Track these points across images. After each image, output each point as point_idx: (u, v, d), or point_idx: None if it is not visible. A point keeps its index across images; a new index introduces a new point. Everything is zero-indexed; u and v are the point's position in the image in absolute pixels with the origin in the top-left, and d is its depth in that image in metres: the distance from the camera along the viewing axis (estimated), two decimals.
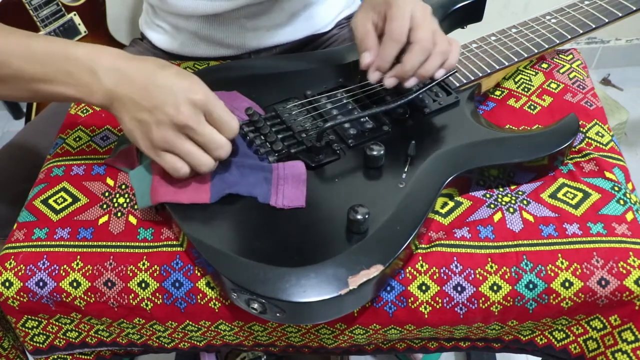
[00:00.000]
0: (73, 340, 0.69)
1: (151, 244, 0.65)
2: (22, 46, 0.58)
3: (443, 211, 0.67)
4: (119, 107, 0.58)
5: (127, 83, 0.57)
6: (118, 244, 0.65)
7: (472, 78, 0.74)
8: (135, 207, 0.68)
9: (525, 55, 0.76)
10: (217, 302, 0.63)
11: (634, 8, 0.78)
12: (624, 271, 0.60)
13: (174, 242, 0.65)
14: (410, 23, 0.65)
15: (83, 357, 0.72)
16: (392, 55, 0.66)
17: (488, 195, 0.68)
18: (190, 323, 0.65)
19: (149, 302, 0.63)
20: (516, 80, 0.81)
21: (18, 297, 0.64)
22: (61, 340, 0.69)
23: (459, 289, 0.61)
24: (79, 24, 1.39)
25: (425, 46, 0.65)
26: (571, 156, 0.71)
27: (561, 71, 0.81)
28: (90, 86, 0.58)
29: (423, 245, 0.64)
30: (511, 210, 0.65)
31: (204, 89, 0.59)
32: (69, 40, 0.61)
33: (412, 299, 0.61)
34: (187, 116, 0.57)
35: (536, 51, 0.76)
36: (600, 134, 0.72)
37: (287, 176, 0.64)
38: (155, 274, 0.63)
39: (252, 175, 0.64)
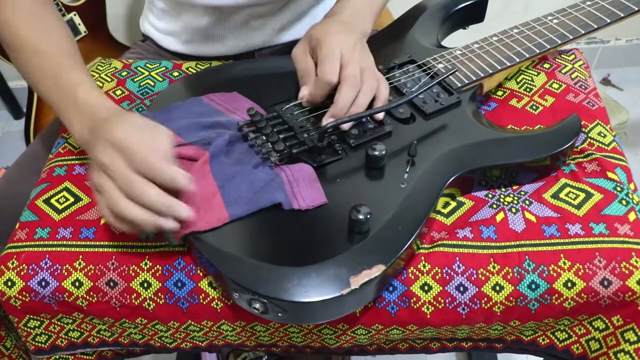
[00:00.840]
0: (75, 340, 0.69)
1: (153, 243, 0.65)
2: (56, 78, 0.67)
3: (445, 211, 0.67)
4: (88, 150, 0.63)
5: (91, 132, 0.62)
6: (120, 243, 0.65)
7: (474, 78, 0.74)
8: None
9: (527, 56, 0.76)
10: (219, 302, 0.63)
11: (636, 8, 0.79)
12: (627, 271, 0.60)
13: (179, 243, 0.64)
14: (340, 61, 0.69)
15: (85, 357, 0.72)
16: (323, 94, 0.70)
17: (490, 196, 0.68)
18: (193, 323, 0.65)
19: (151, 302, 0.63)
20: (518, 80, 0.81)
21: (20, 297, 0.64)
22: (63, 340, 0.69)
23: (461, 289, 0.61)
24: (79, 24, 1.39)
25: (352, 83, 0.68)
26: (573, 156, 0.71)
27: (563, 71, 0.81)
28: (73, 126, 0.65)
29: (425, 245, 0.64)
30: (513, 210, 0.66)
31: (125, 129, 0.57)
32: (90, 81, 0.68)
33: (414, 299, 0.61)
34: (102, 155, 0.57)
35: (538, 51, 0.76)
36: (602, 134, 0.72)
37: (297, 179, 0.64)
38: (157, 274, 0.63)
39: (262, 185, 0.64)
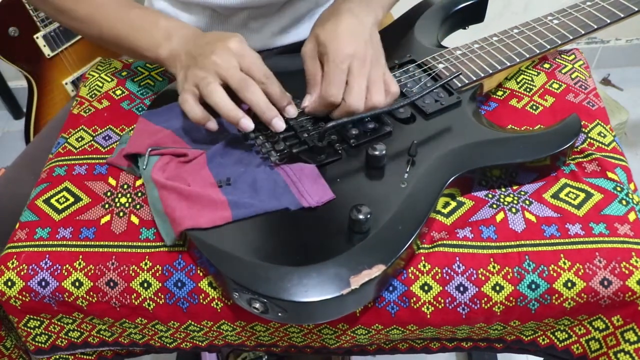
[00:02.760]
0: (75, 340, 0.69)
1: (153, 243, 0.65)
2: (124, 14, 0.75)
3: (445, 211, 0.67)
4: (177, 62, 0.71)
5: (187, 43, 0.70)
6: (120, 243, 0.65)
7: (474, 78, 0.74)
8: (137, 207, 0.68)
9: (527, 56, 0.76)
10: (219, 302, 0.63)
11: (636, 9, 0.79)
12: (627, 271, 0.60)
13: (179, 242, 0.64)
14: (347, 77, 0.68)
15: (85, 357, 0.72)
16: (325, 112, 0.70)
17: (490, 196, 0.68)
18: (193, 323, 0.65)
19: (151, 302, 0.63)
20: (518, 80, 0.81)
21: (20, 297, 0.64)
22: (63, 340, 0.69)
23: (461, 289, 0.61)
24: None
25: (354, 109, 0.67)
26: (573, 156, 0.71)
27: (563, 71, 0.81)
28: (161, 47, 0.72)
29: (425, 245, 0.64)
30: (513, 210, 0.66)
31: (239, 41, 0.67)
32: (159, 13, 0.77)
33: (414, 299, 0.61)
34: (219, 55, 0.65)
35: (538, 52, 0.76)
36: (602, 134, 0.72)
37: (300, 178, 0.64)
38: (157, 274, 0.63)
39: (266, 187, 0.64)
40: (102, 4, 0.75)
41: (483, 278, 0.61)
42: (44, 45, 1.45)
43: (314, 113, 0.71)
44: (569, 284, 0.60)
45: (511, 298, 0.61)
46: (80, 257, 0.64)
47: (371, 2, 0.75)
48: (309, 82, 0.71)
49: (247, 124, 0.65)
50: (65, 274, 0.63)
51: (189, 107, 0.66)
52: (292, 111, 0.69)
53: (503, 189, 0.68)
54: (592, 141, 0.72)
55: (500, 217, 0.65)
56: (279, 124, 0.66)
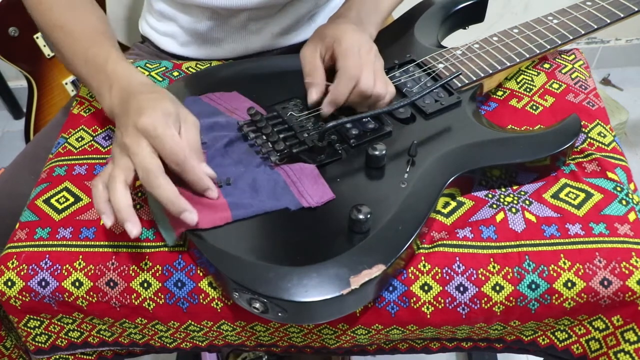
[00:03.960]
0: (75, 340, 0.69)
1: (153, 243, 0.65)
2: (86, 53, 0.70)
3: (445, 211, 0.67)
4: (115, 120, 0.65)
5: (121, 105, 0.63)
6: (120, 243, 0.65)
7: (474, 78, 0.74)
8: (137, 207, 0.68)
9: (527, 56, 0.76)
10: (219, 302, 0.63)
11: (636, 9, 0.79)
12: (627, 271, 0.60)
13: (180, 242, 0.64)
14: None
15: (85, 357, 0.72)
16: (348, 91, 0.69)
17: (490, 196, 0.68)
18: (193, 323, 0.65)
19: (151, 302, 0.63)
20: (518, 80, 0.81)
21: (20, 297, 0.64)
22: (63, 340, 0.69)
23: (461, 289, 0.61)
24: None
25: (366, 88, 0.68)
26: (573, 156, 0.71)
27: (563, 71, 0.81)
28: (104, 99, 0.67)
29: (425, 245, 0.64)
30: (513, 210, 0.66)
31: (152, 118, 0.58)
32: (119, 54, 0.69)
33: (414, 299, 0.61)
34: (130, 138, 0.58)
35: (538, 52, 0.76)
36: (602, 134, 0.72)
37: (300, 178, 0.64)
38: (157, 274, 0.63)
39: (266, 188, 0.64)
40: (78, 38, 0.72)
41: (483, 278, 0.61)
42: (44, 45, 1.45)
43: (335, 101, 0.69)
44: (569, 284, 0.60)
45: (511, 298, 0.61)
46: (80, 257, 0.64)
47: (365, 20, 0.78)
48: (308, 75, 0.72)
49: (129, 229, 0.56)
50: (65, 274, 0.63)
51: (96, 193, 0.59)
52: (212, 195, 0.62)
53: (503, 189, 0.68)
54: (592, 141, 0.72)
55: (500, 217, 0.65)
56: (189, 218, 0.58)
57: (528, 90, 0.79)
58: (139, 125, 0.58)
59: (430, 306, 0.61)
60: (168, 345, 0.70)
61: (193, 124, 0.62)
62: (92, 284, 0.63)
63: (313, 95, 0.71)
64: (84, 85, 0.73)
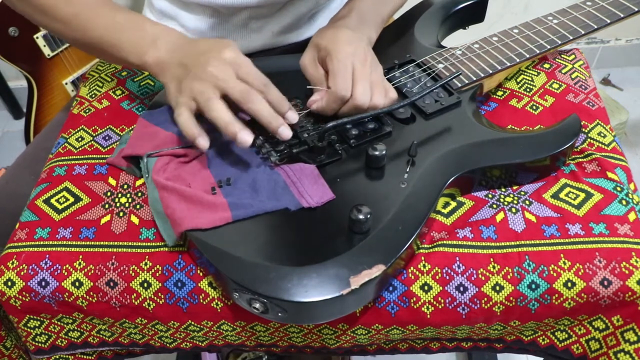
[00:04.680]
0: (75, 340, 0.69)
1: (153, 243, 0.65)
2: (109, 17, 0.71)
3: (445, 211, 0.67)
4: (165, 71, 0.68)
5: (175, 51, 0.68)
6: (120, 243, 0.65)
7: (474, 79, 0.74)
8: (137, 207, 0.68)
9: (527, 56, 0.76)
10: (219, 302, 0.63)
11: (636, 9, 0.79)
12: (627, 271, 0.60)
13: (180, 242, 0.64)
14: (352, 76, 0.69)
15: (85, 357, 0.72)
16: (336, 109, 0.70)
17: (490, 196, 0.68)
18: (193, 323, 0.65)
19: (151, 302, 0.63)
20: (518, 80, 0.81)
21: (20, 297, 0.64)
22: (63, 340, 0.69)
23: (461, 289, 0.61)
24: None
25: (362, 101, 0.68)
26: (573, 156, 0.71)
27: (563, 71, 0.81)
28: (147, 53, 0.69)
29: (425, 245, 0.64)
30: (513, 210, 0.66)
31: (233, 50, 0.65)
32: (146, 17, 0.73)
33: (414, 299, 0.61)
34: (215, 66, 0.63)
35: (538, 52, 0.76)
36: (602, 135, 0.72)
37: (300, 178, 0.64)
38: (157, 274, 0.63)
39: (266, 188, 0.64)
40: (87, 4, 0.72)
41: (483, 278, 0.61)
42: (44, 45, 1.45)
43: (321, 111, 0.71)
44: (569, 284, 0.60)
45: (511, 298, 0.61)
46: (80, 257, 0.64)
47: (365, 22, 0.78)
48: (314, 85, 0.73)
49: (245, 138, 0.62)
50: (65, 274, 0.63)
51: (183, 121, 0.64)
52: (293, 117, 0.67)
53: (503, 189, 0.68)
54: (592, 141, 0.72)
55: (500, 217, 0.65)
56: (286, 132, 0.65)
57: (528, 90, 0.79)
58: (227, 55, 0.64)
59: (430, 306, 0.61)
60: (168, 345, 0.70)
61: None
62: (92, 284, 0.63)
63: (315, 98, 0.71)
64: (103, 51, 0.72)
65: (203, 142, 0.64)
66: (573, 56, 0.84)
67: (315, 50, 0.73)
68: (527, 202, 0.66)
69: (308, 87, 0.73)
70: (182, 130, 0.64)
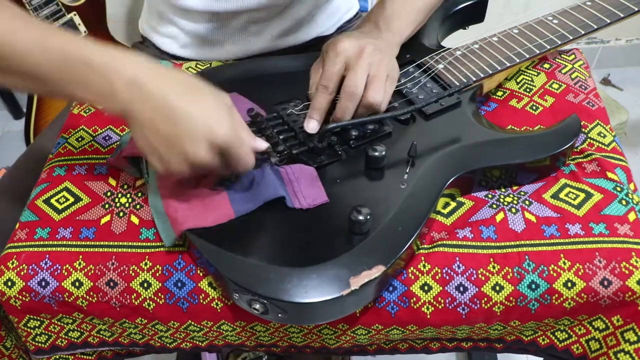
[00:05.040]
0: (75, 340, 0.69)
1: (153, 243, 0.65)
2: (39, 44, 0.54)
3: (445, 211, 0.67)
4: (134, 124, 0.56)
5: (145, 103, 0.54)
6: (120, 243, 0.65)
7: (474, 79, 0.74)
8: (137, 207, 0.68)
9: (527, 56, 0.76)
10: (219, 302, 0.63)
11: (636, 9, 0.78)
12: (627, 271, 0.60)
13: (178, 242, 0.65)
14: (344, 65, 0.68)
15: (85, 357, 0.72)
16: (323, 103, 0.68)
17: (490, 196, 0.68)
18: (193, 323, 0.65)
19: (151, 302, 0.63)
20: (518, 80, 0.81)
21: (20, 297, 0.64)
22: (63, 340, 0.69)
23: (461, 289, 0.61)
24: (79, 24, 1.39)
25: (349, 93, 0.67)
26: (573, 157, 0.71)
27: (563, 71, 0.81)
28: (107, 97, 0.55)
29: (425, 246, 0.64)
30: (513, 210, 0.66)
31: (225, 127, 0.56)
32: (88, 41, 0.55)
33: (414, 299, 0.61)
34: (202, 157, 0.55)
35: (538, 52, 0.76)
36: (602, 135, 0.72)
37: (298, 178, 0.64)
38: (157, 274, 0.63)
39: (265, 180, 0.64)
40: (8, 23, 0.55)
41: (483, 278, 0.61)
42: None
43: (317, 111, 0.70)
44: (569, 284, 0.60)
45: (511, 298, 0.61)
46: (80, 257, 0.64)
47: (384, 26, 0.76)
48: (310, 89, 0.73)
49: (262, 145, 0.62)
50: (65, 274, 0.63)
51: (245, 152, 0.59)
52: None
53: (503, 189, 0.68)
54: (592, 141, 0.72)
55: (500, 217, 0.65)
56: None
57: (528, 90, 0.79)
58: (212, 140, 0.55)
59: (430, 306, 0.61)
60: (168, 345, 0.70)
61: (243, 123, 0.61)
62: (92, 284, 0.63)
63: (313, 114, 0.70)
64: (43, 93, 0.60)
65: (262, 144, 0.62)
66: (573, 56, 0.84)
67: (321, 56, 0.73)
68: (527, 202, 0.66)
69: (309, 92, 0.73)
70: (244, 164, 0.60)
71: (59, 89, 0.56)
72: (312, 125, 0.68)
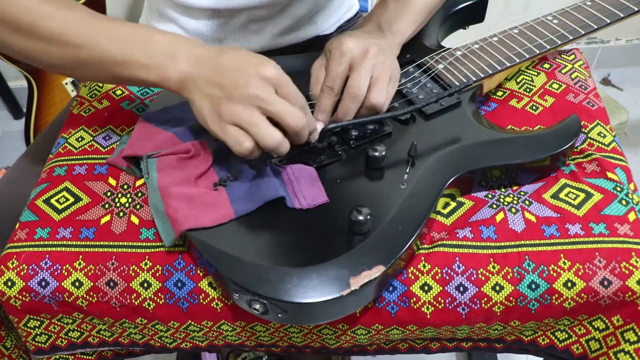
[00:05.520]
0: (75, 340, 0.69)
1: (153, 243, 0.65)
2: (109, 30, 0.62)
3: (445, 211, 0.67)
4: (192, 88, 0.61)
5: (201, 65, 0.61)
6: (120, 243, 0.65)
7: (474, 79, 0.74)
8: (137, 207, 0.68)
9: (527, 56, 0.76)
10: (219, 302, 0.63)
11: (636, 9, 0.78)
12: (627, 271, 0.60)
13: (178, 242, 0.65)
14: (349, 65, 0.68)
15: (85, 357, 0.72)
16: (327, 104, 0.69)
17: (490, 196, 0.68)
18: (193, 323, 0.65)
19: (151, 302, 0.63)
20: (518, 80, 0.81)
21: (20, 297, 0.64)
22: (63, 340, 0.69)
23: (461, 289, 0.61)
24: None
25: (352, 94, 0.67)
26: (573, 157, 0.71)
27: (563, 71, 0.81)
28: (167, 68, 0.62)
29: (425, 246, 0.64)
30: (513, 210, 0.66)
31: (274, 67, 0.61)
32: (151, 27, 0.65)
33: (414, 299, 0.61)
34: (257, 87, 0.59)
35: (538, 52, 0.76)
36: (602, 135, 0.72)
37: (298, 178, 0.64)
38: (157, 274, 0.63)
39: (265, 180, 0.64)
40: (76, 18, 0.62)
41: (483, 278, 0.61)
42: None
43: (322, 111, 0.70)
44: (569, 284, 0.60)
45: (511, 298, 0.61)
46: (80, 257, 0.64)
47: (385, 27, 0.77)
48: (311, 88, 0.72)
49: (286, 149, 0.62)
50: (65, 274, 0.63)
51: (242, 139, 0.60)
52: (314, 136, 0.66)
53: (503, 189, 0.68)
54: (592, 141, 0.72)
55: (500, 217, 0.65)
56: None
57: (528, 90, 0.79)
58: (268, 73, 0.59)
59: (430, 306, 0.61)
60: (168, 345, 0.70)
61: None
62: (92, 284, 0.63)
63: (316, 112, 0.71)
64: (106, 69, 0.63)
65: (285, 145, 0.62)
66: (573, 56, 0.84)
67: (323, 55, 0.73)
68: (527, 202, 0.66)
69: (310, 92, 0.73)
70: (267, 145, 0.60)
71: (123, 71, 0.63)
72: (317, 128, 0.68)
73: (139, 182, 0.71)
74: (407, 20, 0.78)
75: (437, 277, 0.62)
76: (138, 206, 0.68)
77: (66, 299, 0.64)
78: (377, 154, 0.64)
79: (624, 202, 0.65)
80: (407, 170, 0.65)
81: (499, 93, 0.80)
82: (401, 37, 0.77)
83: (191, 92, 0.62)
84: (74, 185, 0.70)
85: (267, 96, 0.59)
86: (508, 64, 0.75)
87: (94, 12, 0.64)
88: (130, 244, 0.65)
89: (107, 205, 0.68)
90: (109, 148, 0.75)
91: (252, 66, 0.60)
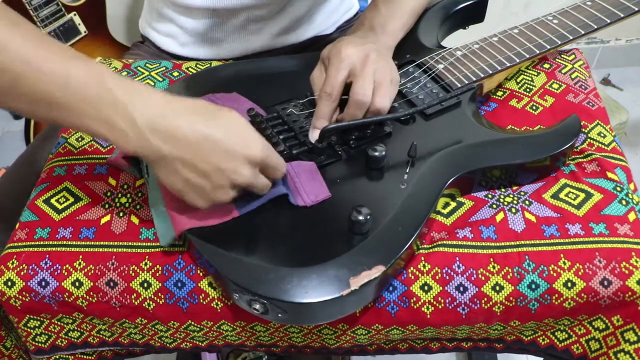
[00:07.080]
0: (75, 340, 0.69)
1: (153, 243, 0.65)
2: (62, 77, 0.51)
3: (445, 211, 0.67)
4: (165, 166, 0.55)
5: (176, 143, 0.53)
6: (120, 243, 0.65)
7: (474, 79, 0.74)
8: (137, 207, 0.68)
9: (527, 56, 0.76)
10: (219, 302, 0.63)
11: (636, 9, 0.78)
12: (627, 271, 0.60)
13: (176, 242, 0.65)
14: (348, 72, 0.67)
15: (85, 357, 0.72)
16: (327, 112, 0.68)
17: (490, 196, 0.68)
18: (193, 323, 0.65)
19: (151, 302, 0.63)
20: (518, 80, 0.81)
21: (20, 297, 0.64)
22: (63, 340, 0.69)
23: (461, 289, 0.61)
24: (79, 24, 1.39)
25: (358, 101, 0.67)
26: (573, 157, 0.71)
27: (563, 71, 0.81)
28: (126, 135, 0.52)
29: (425, 246, 0.64)
30: (513, 210, 0.66)
31: (258, 141, 0.57)
32: (109, 71, 0.53)
33: (414, 299, 0.61)
34: (248, 177, 0.57)
35: (538, 52, 0.76)
36: (602, 135, 0.72)
37: (298, 173, 0.64)
38: (157, 274, 0.63)
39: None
40: (26, 55, 0.50)
41: (483, 278, 0.61)
42: None
43: (321, 118, 0.69)
44: (569, 284, 0.60)
45: (511, 298, 0.61)
46: (80, 257, 0.64)
47: (379, 29, 0.76)
48: (313, 92, 0.72)
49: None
50: (65, 274, 0.63)
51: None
52: (315, 136, 0.67)
53: (503, 190, 0.68)
54: (592, 141, 0.72)
55: (500, 217, 0.65)
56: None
57: (528, 90, 0.79)
58: (253, 157, 0.55)
59: (430, 306, 0.61)
60: (168, 345, 0.70)
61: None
62: (92, 284, 0.63)
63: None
64: (48, 117, 0.53)
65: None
66: (573, 56, 0.84)
67: (321, 63, 0.72)
68: (527, 202, 0.66)
69: (311, 97, 0.73)
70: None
71: (78, 123, 0.53)
72: (316, 135, 0.68)
73: (139, 182, 0.71)
74: (399, 23, 0.78)
75: (437, 277, 0.62)
76: (138, 206, 0.68)
77: (66, 299, 0.64)
78: (377, 154, 0.64)
79: (624, 202, 0.65)
80: (407, 170, 0.65)
81: (499, 93, 0.80)
82: (394, 39, 0.78)
83: (164, 171, 0.55)
84: (74, 185, 0.70)
85: (255, 182, 0.58)
86: (508, 64, 0.75)
87: (42, 38, 0.53)
88: (130, 244, 0.65)
89: (107, 205, 0.68)
90: (109, 148, 0.75)
91: (239, 150, 0.55)
